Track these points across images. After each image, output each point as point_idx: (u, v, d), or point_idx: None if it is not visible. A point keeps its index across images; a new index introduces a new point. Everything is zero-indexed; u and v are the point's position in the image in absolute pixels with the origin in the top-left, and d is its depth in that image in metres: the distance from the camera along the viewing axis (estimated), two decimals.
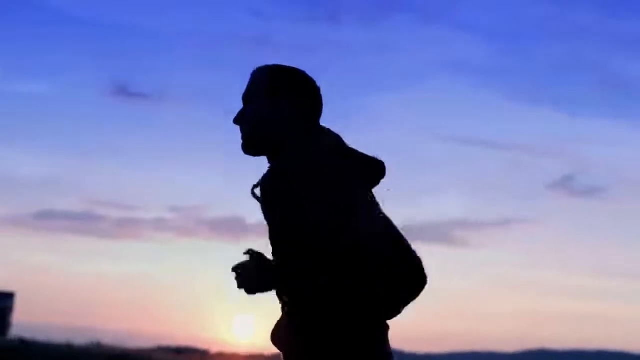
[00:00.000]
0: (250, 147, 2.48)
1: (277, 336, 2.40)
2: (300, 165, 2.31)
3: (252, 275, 2.35)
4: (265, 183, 2.36)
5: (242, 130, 2.49)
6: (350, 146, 2.44)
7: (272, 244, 2.38)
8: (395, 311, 2.34)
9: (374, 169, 2.40)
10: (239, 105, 2.53)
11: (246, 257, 2.37)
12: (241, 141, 2.48)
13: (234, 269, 2.38)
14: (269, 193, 2.33)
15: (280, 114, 2.43)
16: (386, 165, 2.40)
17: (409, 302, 2.33)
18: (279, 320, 2.41)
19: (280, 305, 2.40)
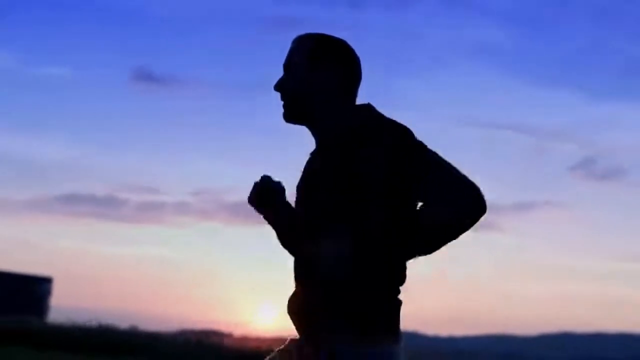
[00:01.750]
0: (292, 116, 2.48)
1: (292, 306, 2.42)
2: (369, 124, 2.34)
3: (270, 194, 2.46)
4: (344, 133, 2.37)
5: (283, 98, 2.49)
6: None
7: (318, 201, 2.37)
8: (455, 235, 2.32)
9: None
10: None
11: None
12: (282, 109, 2.49)
13: (260, 182, 2.49)
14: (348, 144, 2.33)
15: (322, 84, 2.44)
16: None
17: (469, 226, 2.31)
18: (294, 291, 2.43)
19: (293, 276, 2.43)
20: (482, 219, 2.29)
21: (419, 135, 2.34)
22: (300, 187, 2.48)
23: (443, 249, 2.33)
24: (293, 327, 2.40)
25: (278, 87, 2.49)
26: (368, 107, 2.43)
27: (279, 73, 2.51)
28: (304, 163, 2.51)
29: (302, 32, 2.54)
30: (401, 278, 2.35)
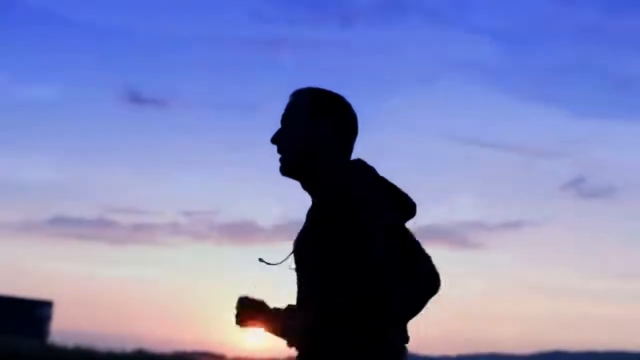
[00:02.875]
0: (291, 170, 2.49)
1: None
2: (348, 193, 2.36)
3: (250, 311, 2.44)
4: (322, 209, 2.40)
5: (280, 151, 2.50)
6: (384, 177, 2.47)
7: (309, 283, 2.41)
8: (414, 314, 2.37)
9: (406, 205, 2.45)
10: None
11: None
12: (279, 163, 2.50)
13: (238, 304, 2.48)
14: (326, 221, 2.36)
15: (321, 140, 2.45)
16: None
17: (424, 305, 2.37)
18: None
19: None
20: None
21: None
22: (295, 244, 2.49)
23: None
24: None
25: (275, 140, 2.50)
26: (358, 164, 2.46)
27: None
28: (300, 208, 2.54)
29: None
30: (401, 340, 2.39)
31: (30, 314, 30.98)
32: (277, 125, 2.55)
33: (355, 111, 2.52)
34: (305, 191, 2.51)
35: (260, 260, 2.48)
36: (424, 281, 2.32)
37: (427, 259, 2.35)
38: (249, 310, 2.44)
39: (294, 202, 2.57)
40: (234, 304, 2.47)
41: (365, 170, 2.44)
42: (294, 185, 2.53)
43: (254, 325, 2.45)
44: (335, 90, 2.55)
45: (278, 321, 2.42)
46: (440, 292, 2.36)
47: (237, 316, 2.45)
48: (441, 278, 2.36)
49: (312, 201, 2.49)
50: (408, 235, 2.36)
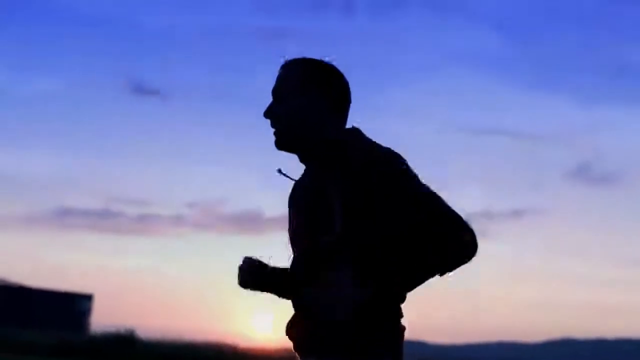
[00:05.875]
0: (285, 144, 2.44)
1: (291, 330, 2.41)
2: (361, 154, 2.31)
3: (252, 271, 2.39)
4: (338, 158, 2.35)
5: (273, 126, 2.45)
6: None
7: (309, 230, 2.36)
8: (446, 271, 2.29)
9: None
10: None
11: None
12: (274, 137, 2.45)
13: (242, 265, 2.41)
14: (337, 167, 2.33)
15: (314, 111, 2.40)
16: (403, 156, 2.35)
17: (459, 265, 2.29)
18: (292, 317, 2.42)
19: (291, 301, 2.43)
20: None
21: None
22: (291, 206, 2.48)
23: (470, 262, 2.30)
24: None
25: (268, 113, 2.45)
26: (354, 132, 2.42)
27: (273, 83, 2.48)
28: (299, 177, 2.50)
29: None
30: (400, 300, 2.33)
31: (70, 307, 31.51)
32: None
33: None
34: (303, 164, 2.47)
35: (279, 171, 2.47)
36: (454, 241, 2.25)
37: (452, 217, 2.28)
38: (252, 271, 2.39)
39: None
40: (238, 265, 2.41)
41: (362, 135, 2.41)
42: (298, 171, 2.49)
43: (255, 287, 2.41)
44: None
45: (280, 281, 2.39)
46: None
47: (240, 276, 2.40)
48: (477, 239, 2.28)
49: (311, 167, 2.45)
50: (421, 192, 2.31)
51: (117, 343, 19.60)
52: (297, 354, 2.40)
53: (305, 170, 2.48)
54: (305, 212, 2.40)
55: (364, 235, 2.27)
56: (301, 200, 2.43)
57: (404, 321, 2.33)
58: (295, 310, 2.40)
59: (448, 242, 2.25)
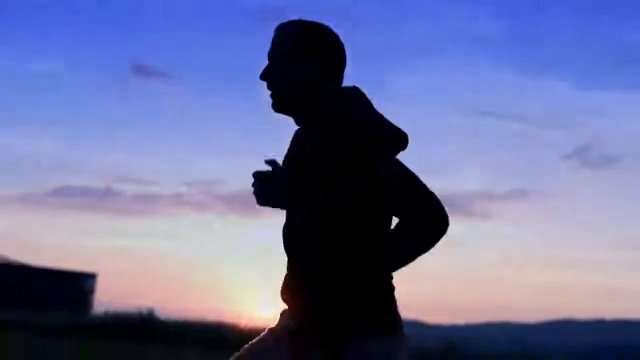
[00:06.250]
0: (281, 106, 2.44)
1: (285, 292, 2.40)
2: (339, 118, 2.30)
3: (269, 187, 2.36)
4: (308, 130, 2.39)
5: (270, 88, 2.45)
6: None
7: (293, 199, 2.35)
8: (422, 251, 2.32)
9: (399, 137, 2.33)
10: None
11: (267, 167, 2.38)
12: (270, 99, 2.45)
13: (255, 174, 2.38)
14: (312, 139, 2.35)
15: (309, 72, 2.40)
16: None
17: (434, 243, 2.31)
18: (286, 276, 2.41)
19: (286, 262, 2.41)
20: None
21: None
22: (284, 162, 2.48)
23: (445, 237, 2.32)
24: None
25: (264, 76, 2.45)
26: (350, 95, 2.40)
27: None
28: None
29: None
30: (387, 265, 2.34)
31: (75, 286, 31.72)
32: None
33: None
34: (299, 126, 2.48)
35: (266, 161, 2.41)
36: (431, 220, 2.28)
37: (428, 196, 2.30)
38: (265, 182, 2.36)
39: None
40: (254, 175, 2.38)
41: (361, 94, 2.40)
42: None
43: (271, 202, 2.38)
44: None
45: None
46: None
47: (255, 194, 2.38)
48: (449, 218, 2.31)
49: (307, 127, 2.45)
50: (403, 172, 2.32)
51: (138, 323, 19.70)
52: (290, 316, 2.39)
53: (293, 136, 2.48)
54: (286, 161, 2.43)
55: (328, 197, 2.27)
56: (288, 149, 2.47)
57: (401, 304, 2.33)
58: (288, 267, 2.40)
59: (424, 221, 2.27)
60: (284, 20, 2.50)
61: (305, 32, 2.44)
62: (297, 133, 2.48)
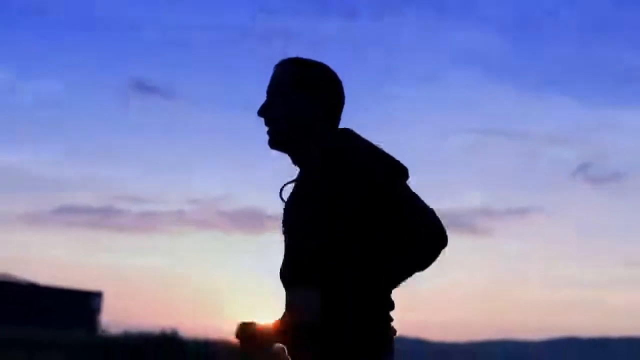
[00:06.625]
0: (278, 143, 2.46)
1: (281, 330, 2.38)
2: (335, 163, 2.30)
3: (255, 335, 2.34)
4: (306, 178, 2.39)
5: (267, 124, 2.47)
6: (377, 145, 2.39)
7: (291, 249, 2.38)
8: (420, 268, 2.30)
9: (399, 169, 2.35)
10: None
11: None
12: (267, 136, 2.47)
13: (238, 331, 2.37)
14: (309, 187, 2.35)
15: (306, 111, 2.41)
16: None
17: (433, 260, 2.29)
18: (283, 316, 2.40)
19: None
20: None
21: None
22: (284, 211, 2.48)
23: (443, 254, 2.31)
24: None
25: (262, 113, 2.47)
26: (346, 133, 2.40)
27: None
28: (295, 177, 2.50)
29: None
30: (387, 306, 2.33)
31: (81, 305, 31.71)
32: None
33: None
34: (295, 166, 2.49)
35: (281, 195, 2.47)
36: (430, 236, 2.26)
37: (427, 213, 2.28)
38: (251, 334, 2.35)
39: None
40: (235, 331, 2.38)
41: (355, 137, 2.39)
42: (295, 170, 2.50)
43: (258, 346, 2.36)
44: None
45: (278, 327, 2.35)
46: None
47: (240, 344, 2.36)
48: (447, 233, 2.29)
49: (301, 172, 2.46)
50: (404, 195, 2.31)
51: (160, 343, 19.84)
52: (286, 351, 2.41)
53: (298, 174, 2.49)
54: (284, 220, 2.45)
55: (339, 244, 2.27)
56: (287, 204, 2.46)
57: (397, 324, 2.35)
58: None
59: (422, 238, 2.26)
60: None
61: (302, 70, 2.45)
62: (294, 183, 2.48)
